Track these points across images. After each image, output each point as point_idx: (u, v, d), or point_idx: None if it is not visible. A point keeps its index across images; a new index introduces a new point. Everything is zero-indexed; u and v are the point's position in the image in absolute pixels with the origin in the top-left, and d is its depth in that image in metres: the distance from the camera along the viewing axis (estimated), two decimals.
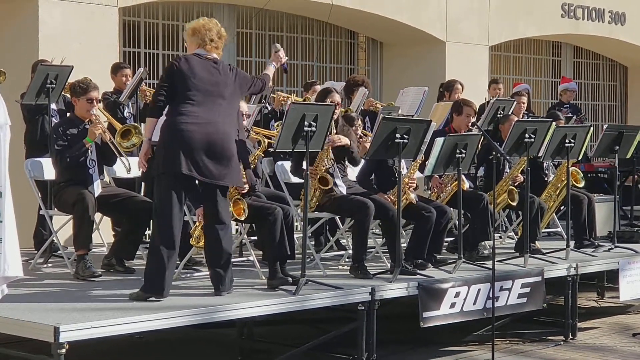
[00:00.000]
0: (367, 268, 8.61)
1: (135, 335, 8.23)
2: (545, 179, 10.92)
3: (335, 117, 8.94)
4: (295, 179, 9.24)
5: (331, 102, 8.91)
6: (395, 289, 8.29)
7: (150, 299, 7.32)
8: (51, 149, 8.81)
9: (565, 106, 15.04)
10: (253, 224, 8.75)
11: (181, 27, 13.81)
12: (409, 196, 8.92)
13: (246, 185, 8.19)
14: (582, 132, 10.22)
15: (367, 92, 11.18)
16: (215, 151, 7.46)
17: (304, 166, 8.23)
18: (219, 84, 7.57)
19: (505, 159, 9.71)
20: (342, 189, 8.78)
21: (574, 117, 14.19)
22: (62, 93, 9.77)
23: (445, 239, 9.62)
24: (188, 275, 8.60)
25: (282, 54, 8.30)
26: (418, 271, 8.71)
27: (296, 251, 8.23)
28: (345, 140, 8.78)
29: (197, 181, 7.62)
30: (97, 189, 8.59)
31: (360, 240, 8.68)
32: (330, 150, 8.73)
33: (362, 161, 9.15)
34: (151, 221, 8.20)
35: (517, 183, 10.20)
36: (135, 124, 9.55)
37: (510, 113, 11.37)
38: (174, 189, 7.40)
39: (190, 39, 7.70)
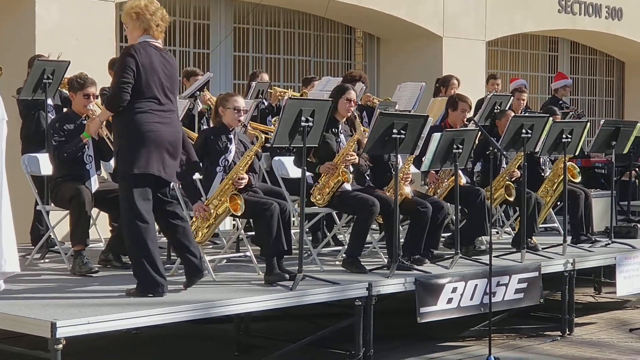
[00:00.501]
0: (362, 262, 8.61)
1: (132, 331, 8.25)
2: (542, 174, 10.92)
3: (349, 114, 8.96)
4: (293, 174, 9.24)
5: (347, 99, 8.90)
6: (392, 285, 8.29)
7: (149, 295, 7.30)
8: (48, 144, 8.80)
9: (559, 102, 15.04)
10: (250, 219, 8.74)
11: (178, 23, 13.83)
12: (404, 191, 8.91)
13: (244, 181, 8.19)
14: (579, 128, 10.23)
15: (365, 87, 11.18)
16: (177, 150, 7.37)
17: (308, 159, 8.27)
18: (171, 77, 7.37)
19: (502, 154, 9.71)
20: (347, 185, 8.78)
21: (571, 113, 14.19)
22: (59, 88, 9.77)
23: (442, 234, 9.62)
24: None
25: None
26: (415, 266, 8.71)
27: (293, 246, 8.23)
28: (356, 160, 8.79)
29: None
30: (94, 184, 8.58)
31: (359, 236, 8.69)
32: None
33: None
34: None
35: (514, 178, 10.21)
36: None
37: (507, 108, 11.37)
38: (144, 188, 7.26)
39: (134, 23, 7.25)
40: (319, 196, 8.74)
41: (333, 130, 8.88)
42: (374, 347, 8.07)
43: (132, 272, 7.45)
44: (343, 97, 8.93)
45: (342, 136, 8.96)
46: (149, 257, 7.23)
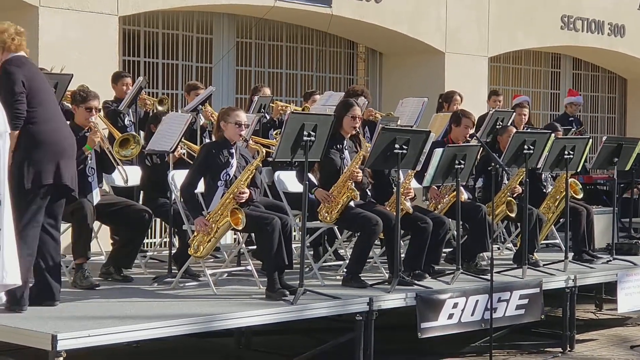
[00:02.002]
0: (362, 277, 8.61)
1: (133, 344, 8.23)
2: (544, 190, 10.93)
3: (354, 132, 8.96)
4: (293, 189, 9.25)
5: (352, 116, 8.90)
6: (393, 300, 8.28)
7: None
8: None
9: (569, 119, 15.06)
10: (252, 234, 8.74)
11: (181, 37, 13.85)
12: (405, 206, 8.91)
13: (245, 195, 8.19)
14: (581, 144, 10.23)
15: (367, 102, 11.18)
16: (73, 155, 7.41)
17: (310, 177, 8.26)
18: (47, 82, 7.47)
19: (503, 170, 9.71)
20: (350, 202, 8.78)
21: (573, 130, 14.20)
22: (61, 101, 9.77)
23: (444, 250, 9.62)
24: (186, 284, 8.59)
25: None
26: (415, 282, 8.71)
27: (294, 261, 8.23)
28: (360, 178, 8.80)
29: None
30: (96, 197, 8.58)
31: (361, 255, 8.70)
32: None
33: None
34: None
35: (515, 194, 10.21)
36: (134, 133, 9.55)
37: (509, 124, 11.37)
38: (43, 200, 7.20)
39: None
40: (326, 214, 8.73)
41: (337, 146, 8.89)
42: None
43: (133, 285, 7.45)
44: (348, 114, 8.93)
45: (346, 152, 8.96)
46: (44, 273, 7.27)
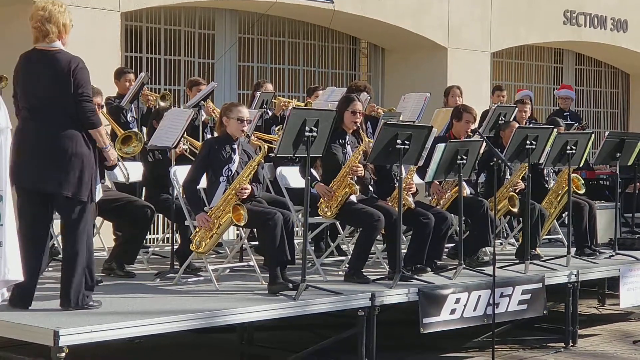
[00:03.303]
0: (365, 273, 8.61)
1: (135, 340, 8.24)
2: (546, 185, 10.92)
3: (355, 127, 8.95)
4: (295, 185, 9.25)
5: (352, 111, 8.90)
6: (396, 295, 8.28)
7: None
8: None
9: (564, 113, 15.04)
10: (254, 229, 8.74)
11: (183, 33, 13.85)
12: (407, 201, 8.91)
13: (247, 191, 8.20)
14: (583, 139, 10.23)
15: (369, 97, 11.18)
16: None
17: (313, 173, 8.25)
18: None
19: (506, 166, 9.71)
20: (352, 196, 8.78)
21: (576, 125, 14.19)
22: None
23: (446, 245, 9.61)
24: (188, 280, 8.59)
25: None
26: (417, 276, 8.71)
27: (296, 256, 8.23)
28: (362, 173, 8.80)
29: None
30: (98, 193, 8.55)
31: (363, 251, 8.69)
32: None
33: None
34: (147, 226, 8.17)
35: (517, 189, 10.20)
36: (136, 131, 9.55)
37: (511, 119, 11.37)
38: None
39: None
40: (326, 208, 8.73)
41: (340, 141, 8.89)
42: (376, 357, 8.05)
43: (135, 281, 7.45)
44: (349, 109, 8.93)
45: (348, 147, 8.96)
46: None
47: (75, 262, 6.95)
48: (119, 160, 8.66)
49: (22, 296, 6.96)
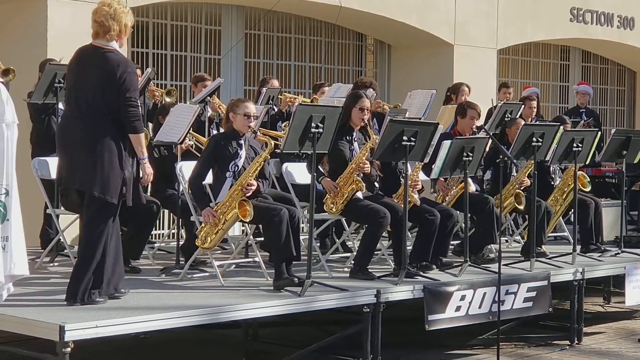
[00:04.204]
0: (370, 270, 8.61)
1: (141, 335, 8.26)
2: (552, 183, 10.91)
3: (362, 123, 8.95)
4: (301, 181, 9.24)
5: (360, 108, 8.90)
6: (401, 292, 8.28)
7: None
8: None
9: (580, 110, 15.04)
10: (259, 225, 8.74)
11: (189, 28, 13.85)
12: (412, 198, 8.91)
13: (253, 187, 8.20)
14: (590, 137, 10.22)
15: (375, 94, 11.17)
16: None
17: (320, 168, 8.25)
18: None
19: (512, 163, 9.70)
20: (358, 193, 8.78)
21: (582, 122, 14.17)
22: None
23: (452, 242, 9.61)
24: (193, 275, 8.60)
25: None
26: (422, 273, 8.70)
27: (302, 253, 8.23)
28: (368, 170, 8.79)
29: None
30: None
31: (368, 247, 8.69)
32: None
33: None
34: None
35: (523, 187, 10.20)
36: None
37: (517, 116, 11.36)
38: None
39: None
40: (332, 205, 8.73)
41: (347, 137, 8.89)
42: (381, 354, 8.06)
43: (140, 276, 7.44)
44: (357, 105, 8.93)
45: (355, 144, 8.95)
46: None
47: (89, 259, 6.97)
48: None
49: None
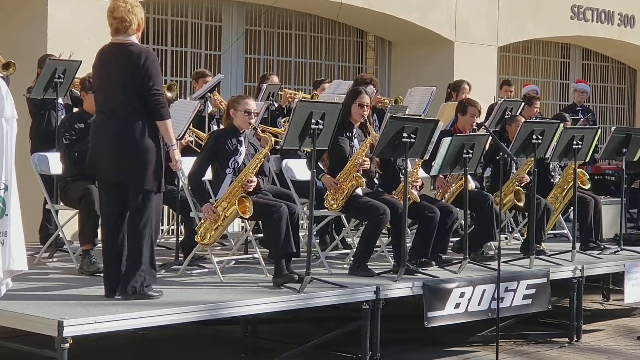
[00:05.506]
0: (369, 267, 8.61)
1: (139, 331, 8.26)
2: (552, 180, 10.91)
3: (362, 120, 8.94)
4: (301, 177, 9.24)
5: (360, 104, 8.89)
6: (400, 289, 8.28)
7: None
8: (58, 143, 8.80)
9: (577, 108, 15.03)
10: (259, 221, 8.74)
11: (190, 24, 13.84)
12: (412, 195, 8.91)
13: (253, 183, 8.20)
14: (589, 135, 10.21)
15: (375, 90, 11.17)
16: None
17: (320, 165, 8.24)
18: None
19: (512, 160, 9.70)
20: (358, 189, 8.78)
21: (581, 119, 14.17)
22: (69, 88, 9.78)
23: (451, 239, 9.61)
24: (192, 271, 8.59)
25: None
26: (421, 270, 8.70)
27: (301, 249, 8.23)
28: (368, 166, 8.79)
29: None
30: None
31: (368, 244, 8.70)
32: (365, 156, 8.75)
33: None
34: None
35: (523, 184, 10.19)
36: None
37: (518, 114, 11.36)
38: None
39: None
40: (332, 201, 8.73)
41: (347, 134, 8.88)
42: (380, 350, 8.06)
43: None
44: (356, 101, 8.92)
45: (355, 140, 8.95)
46: None
47: (139, 251, 7.11)
48: None
49: (107, 285, 7.21)
